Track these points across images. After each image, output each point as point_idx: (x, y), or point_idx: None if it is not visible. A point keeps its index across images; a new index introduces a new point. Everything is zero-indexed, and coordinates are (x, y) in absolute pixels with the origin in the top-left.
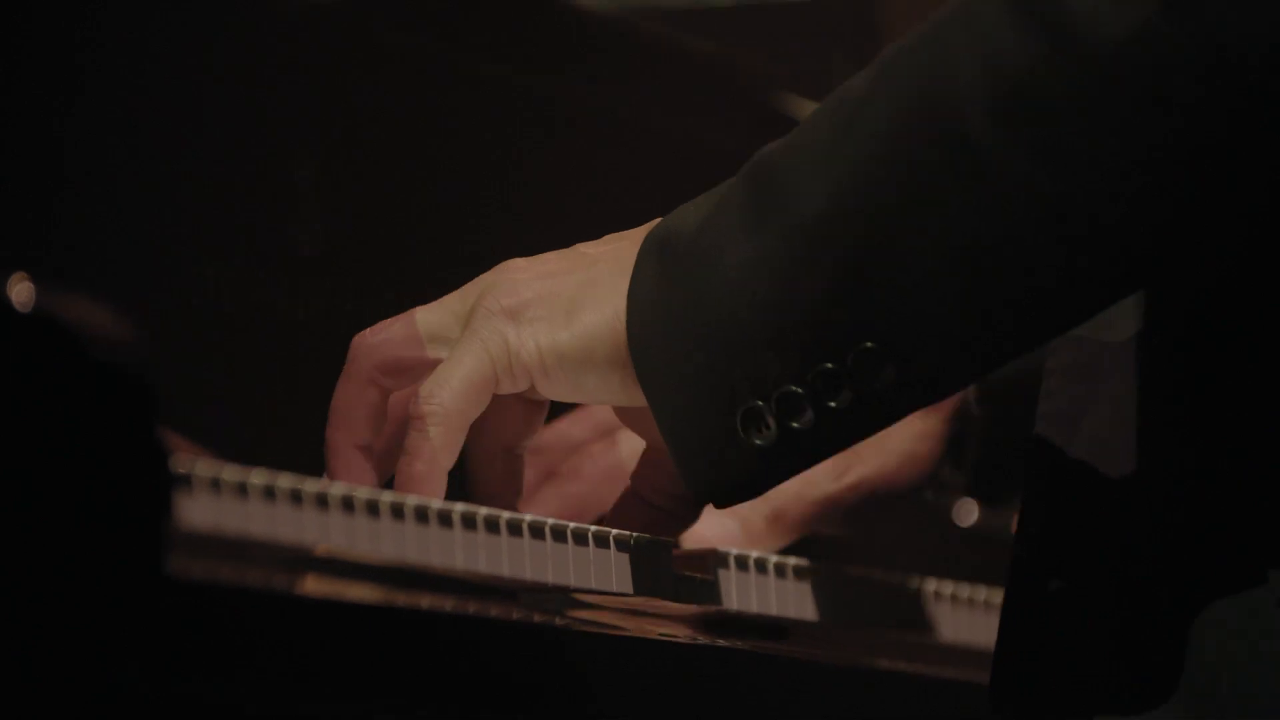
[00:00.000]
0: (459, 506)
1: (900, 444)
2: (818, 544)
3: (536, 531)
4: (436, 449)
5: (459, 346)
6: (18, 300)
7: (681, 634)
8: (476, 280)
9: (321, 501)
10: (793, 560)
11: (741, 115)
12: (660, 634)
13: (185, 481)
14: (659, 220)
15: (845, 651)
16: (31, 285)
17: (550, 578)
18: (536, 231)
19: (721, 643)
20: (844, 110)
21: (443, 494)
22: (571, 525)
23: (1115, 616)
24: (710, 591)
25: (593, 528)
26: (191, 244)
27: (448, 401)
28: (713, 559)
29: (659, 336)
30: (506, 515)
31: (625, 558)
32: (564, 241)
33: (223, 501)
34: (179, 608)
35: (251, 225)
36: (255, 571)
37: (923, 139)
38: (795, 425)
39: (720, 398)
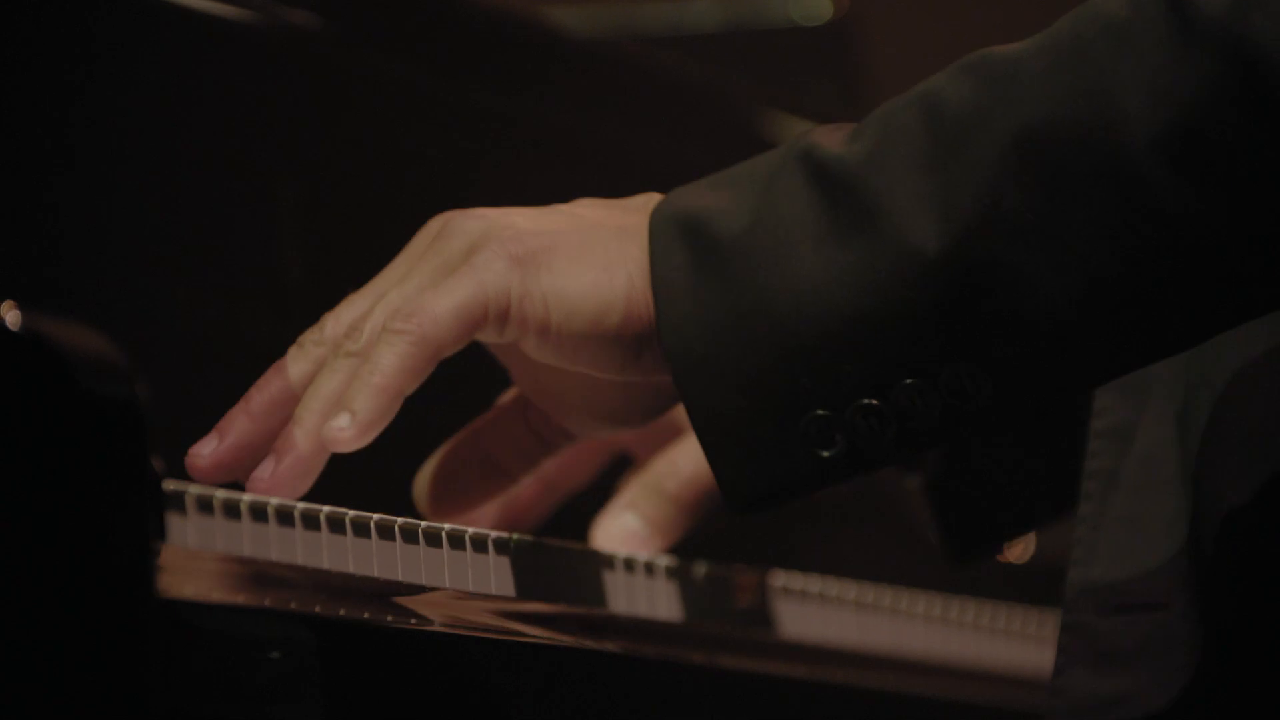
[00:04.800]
0: (375, 517)
1: None
2: (796, 553)
3: (432, 539)
4: (403, 368)
5: (454, 277)
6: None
7: (560, 636)
8: (443, 231)
9: (311, 522)
10: (683, 563)
11: (724, 139)
12: (538, 637)
13: (177, 502)
14: (659, 197)
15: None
16: (19, 314)
17: (432, 579)
18: None
19: (603, 646)
20: (946, 126)
21: (393, 413)
22: (472, 531)
23: (1171, 642)
24: (592, 593)
25: (470, 530)
26: (178, 269)
27: (428, 324)
28: (595, 560)
29: (703, 335)
30: (447, 527)
31: (505, 560)
32: None
33: (214, 522)
34: (168, 627)
35: (238, 249)
36: (245, 591)
37: (1073, 169)
38: (869, 437)
39: (781, 404)
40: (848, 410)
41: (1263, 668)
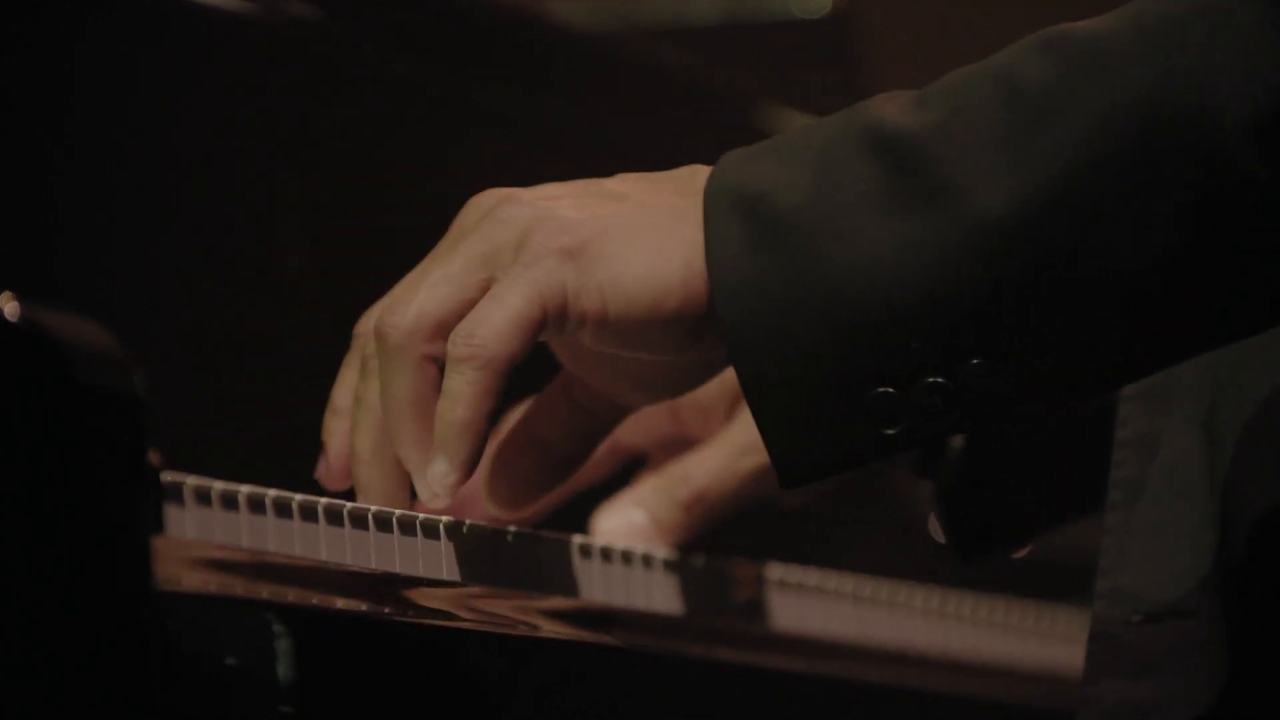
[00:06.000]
0: (373, 509)
1: None
2: (794, 546)
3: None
4: (481, 393)
5: (504, 283)
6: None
7: (559, 629)
8: (491, 217)
9: (309, 514)
10: (681, 556)
11: (723, 132)
12: (538, 629)
13: (175, 493)
14: (705, 170)
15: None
16: (18, 305)
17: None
18: None
19: (601, 639)
20: (1025, 102)
21: (485, 438)
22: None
23: (1200, 650)
24: (589, 586)
25: (467, 522)
26: (178, 261)
27: (491, 342)
28: (593, 552)
29: (762, 310)
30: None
31: (501, 552)
32: None
33: (212, 513)
34: (166, 619)
35: (237, 243)
36: (242, 582)
37: (1160, 153)
38: (934, 416)
39: (843, 381)
40: (914, 389)
41: None
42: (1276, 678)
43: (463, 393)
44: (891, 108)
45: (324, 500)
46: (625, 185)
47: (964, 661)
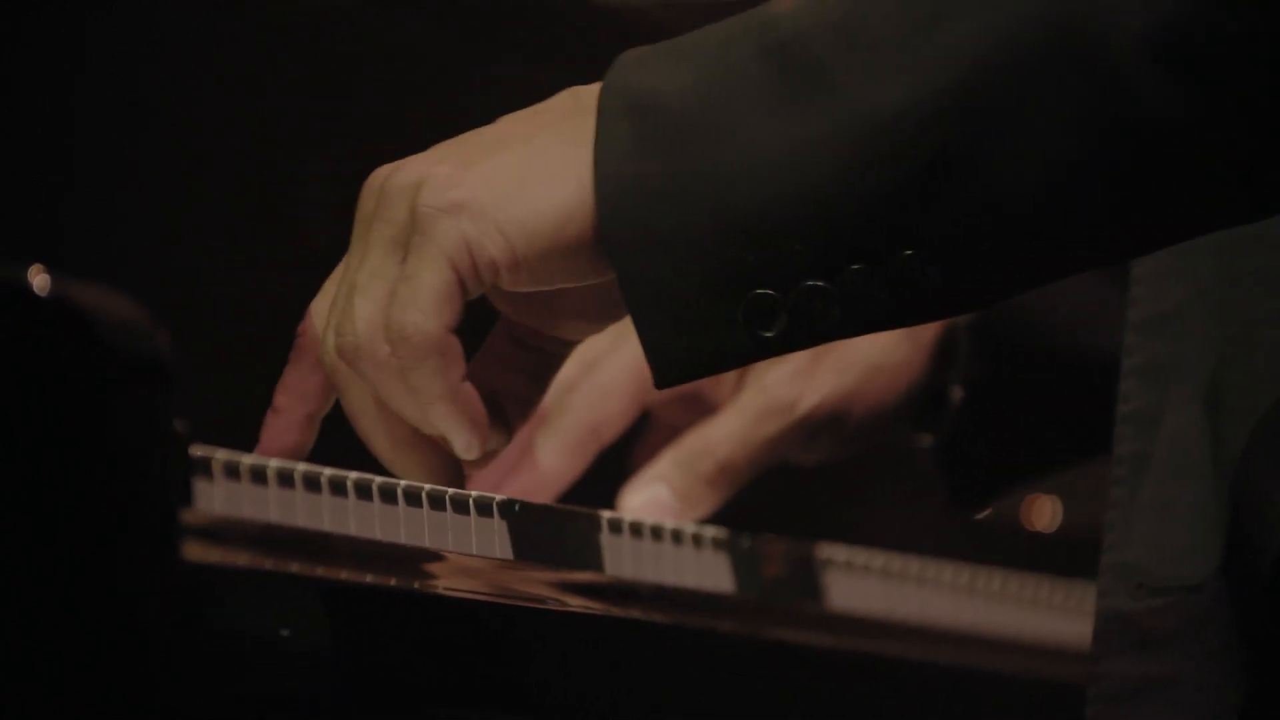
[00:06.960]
0: (402, 483)
1: (862, 356)
2: (824, 523)
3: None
4: (441, 376)
5: (411, 261)
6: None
7: (594, 605)
8: (381, 199)
9: (338, 488)
10: (707, 531)
11: None
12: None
13: (204, 467)
14: (590, 90)
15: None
16: (48, 277)
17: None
18: None
19: (628, 614)
20: (922, 5)
21: (476, 398)
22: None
23: (1207, 625)
24: (600, 559)
25: (497, 497)
26: (205, 238)
27: (422, 326)
28: (587, 522)
29: (644, 208)
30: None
31: (505, 524)
32: None
33: (240, 487)
34: (194, 593)
35: (264, 218)
36: (270, 557)
37: (1053, 63)
38: (813, 319)
39: (723, 281)
40: (792, 291)
41: None
42: None
43: (427, 386)
44: (791, 7)
45: (353, 475)
46: (506, 127)
47: (991, 637)
